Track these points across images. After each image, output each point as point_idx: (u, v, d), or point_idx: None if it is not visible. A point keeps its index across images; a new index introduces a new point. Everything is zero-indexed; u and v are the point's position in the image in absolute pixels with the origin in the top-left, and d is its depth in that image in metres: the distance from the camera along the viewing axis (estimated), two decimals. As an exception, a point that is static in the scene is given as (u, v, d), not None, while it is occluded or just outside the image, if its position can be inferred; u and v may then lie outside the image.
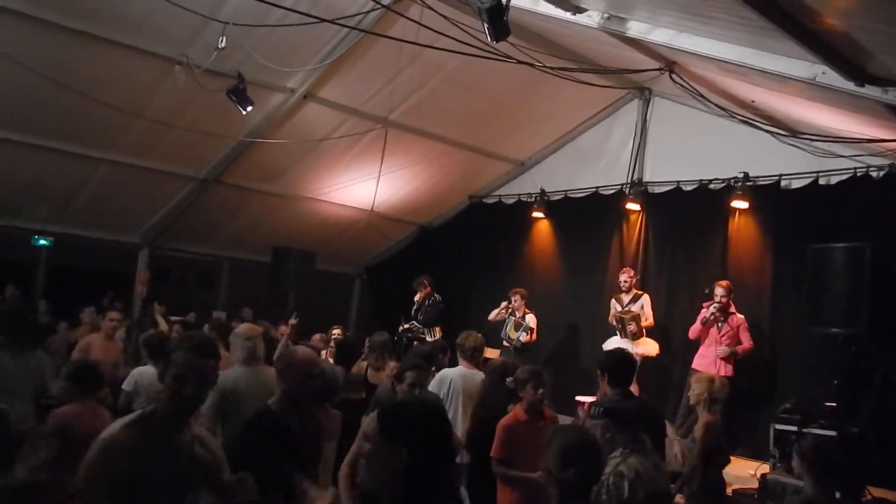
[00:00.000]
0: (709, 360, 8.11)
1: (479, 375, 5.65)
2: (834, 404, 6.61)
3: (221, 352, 5.69)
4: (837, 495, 3.77)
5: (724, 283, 8.25)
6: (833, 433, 6.29)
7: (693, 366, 8.24)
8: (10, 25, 7.08)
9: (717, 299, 8.13)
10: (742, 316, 8.19)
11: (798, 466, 4.08)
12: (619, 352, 5.67)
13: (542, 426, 4.36)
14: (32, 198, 9.69)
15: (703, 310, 8.27)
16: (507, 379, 4.88)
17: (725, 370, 7.85)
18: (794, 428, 6.87)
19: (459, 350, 5.94)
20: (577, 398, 9.11)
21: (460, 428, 5.40)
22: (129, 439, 2.69)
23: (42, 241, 10.12)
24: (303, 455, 3.53)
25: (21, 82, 7.54)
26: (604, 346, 9.18)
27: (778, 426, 7.15)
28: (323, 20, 6.26)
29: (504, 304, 9.80)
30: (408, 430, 2.23)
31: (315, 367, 3.82)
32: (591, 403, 3.70)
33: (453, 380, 5.73)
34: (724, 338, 8.12)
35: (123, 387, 5.53)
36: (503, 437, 4.69)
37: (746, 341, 8.10)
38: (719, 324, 8.13)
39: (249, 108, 8.13)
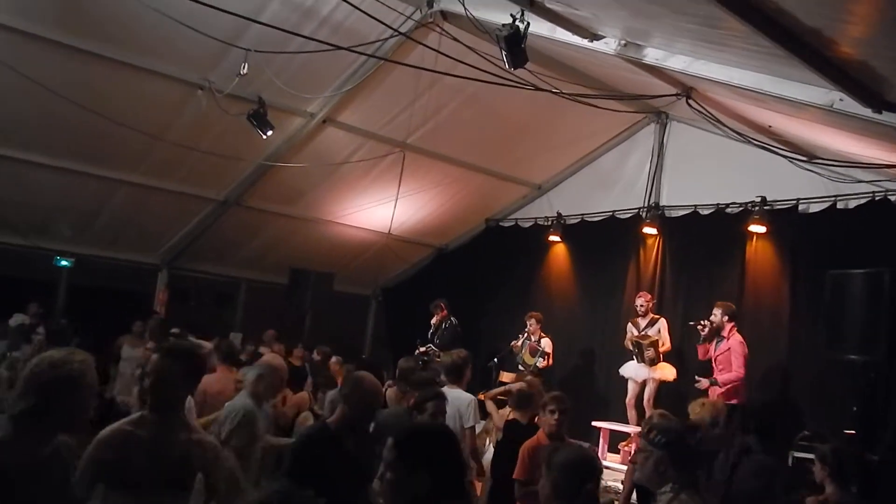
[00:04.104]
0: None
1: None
2: (853, 432, 6.54)
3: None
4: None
5: (720, 303, 8.09)
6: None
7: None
8: (35, 50, 7.22)
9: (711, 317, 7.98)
10: (739, 338, 7.84)
11: (819, 471, 4.35)
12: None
13: None
14: (55, 219, 9.83)
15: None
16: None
17: (713, 393, 7.51)
18: (813, 456, 6.77)
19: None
20: (594, 423, 9.09)
21: None
22: (120, 434, 3.11)
23: (63, 262, 10.24)
24: (358, 474, 3.62)
25: (45, 105, 7.68)
26: (620, 370, 9.17)
27: (797, 454, 7.05)
28: (342, 48, 6.34)
29: (525, 331, 9.71)
30: (427, 455, 2.22)
31: (379, 398, 3.96)
32: (651, 426, 3.39)
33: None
34: (718, 357, 7.89)
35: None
36: (526, 460, 4.76)
37: (735, 369, 7.69)
38: (716, 342, 7.93)
39: (270, 133, 8.26)
